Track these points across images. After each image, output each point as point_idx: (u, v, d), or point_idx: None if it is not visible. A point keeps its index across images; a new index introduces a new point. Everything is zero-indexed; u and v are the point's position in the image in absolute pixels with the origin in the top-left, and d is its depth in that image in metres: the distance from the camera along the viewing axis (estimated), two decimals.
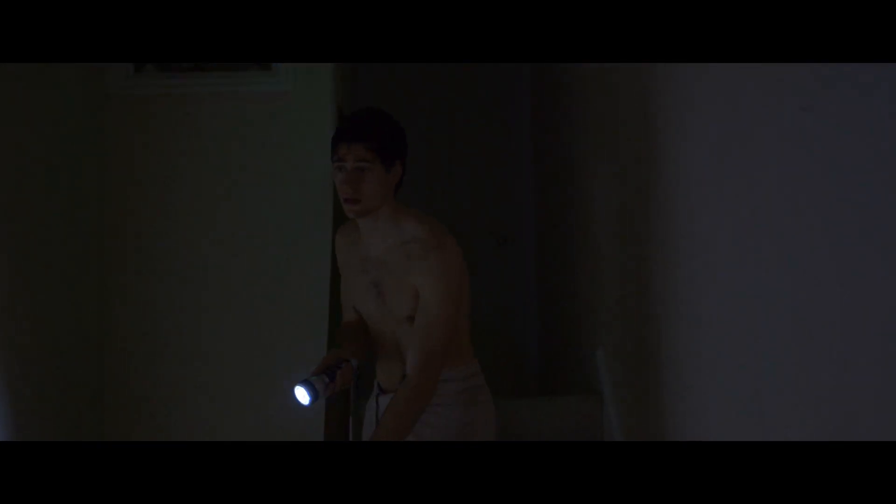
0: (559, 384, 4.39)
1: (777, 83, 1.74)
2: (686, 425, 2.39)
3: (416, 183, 5.30)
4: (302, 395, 2.22)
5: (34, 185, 3.04)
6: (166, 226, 3.61)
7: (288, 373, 3.49)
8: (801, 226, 1.66)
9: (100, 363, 3.55)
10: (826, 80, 1.55)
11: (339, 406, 2.94)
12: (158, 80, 3.66)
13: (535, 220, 5.24)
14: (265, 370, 3.57)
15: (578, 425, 3.39)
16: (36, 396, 3.01)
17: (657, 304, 2.63)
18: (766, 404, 1.85)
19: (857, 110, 1.46)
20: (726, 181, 2.05)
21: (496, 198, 5.39)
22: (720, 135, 2.09)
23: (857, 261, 1.47)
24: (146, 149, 3.58)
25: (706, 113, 2.18)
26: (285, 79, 3.67)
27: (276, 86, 3.66)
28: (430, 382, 2.22)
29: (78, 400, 3.38)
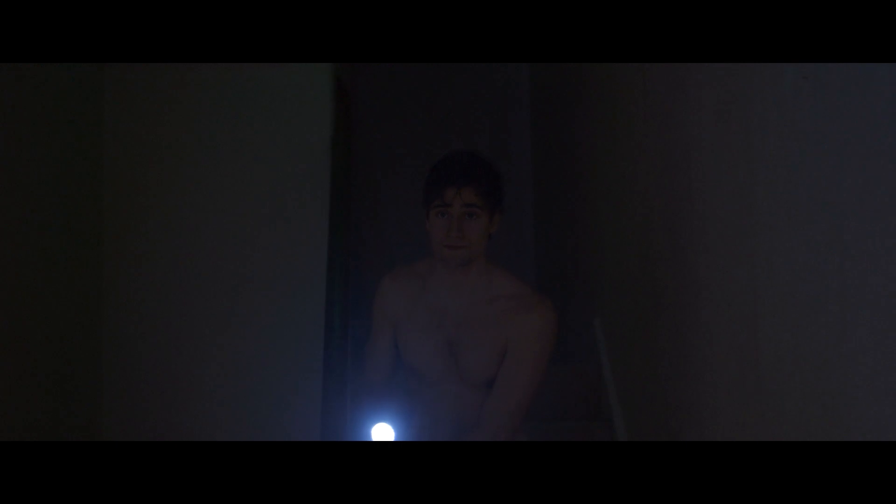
0: (557, 352, 4.41)
1: None
2: (683, 392, 2.41)
3: (414, 152, 5.30)
4: (385, 433, 2.09)
5: (28, 161, 3.00)
6: (163, 198, 3.56)
7: (284, 354, 3.49)
8: (801, 192, 1.67)
9: (97, 346, 3.52)
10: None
11: None
12: None
13: (534, 189, 5.24)
14: (262, 353, 3.55)
15: (576, 392, 3.41)
16: (32, 391, 2.99)
17: (655, 272, 2.64)
18: (764, 372, 1.86)
19: (858, 79, 1.46)
20: (725, 147, 2.05)
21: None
22: (719, 100, 2.08)
23: (856, 227, 1.47)
24: (142, 121, 3.55)
25: (705, 78, 2.17)
26: None
27: None
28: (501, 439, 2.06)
29: (75, 392, 3.35)
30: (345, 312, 3.47)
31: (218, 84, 3.55)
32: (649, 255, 2.71)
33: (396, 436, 2.14)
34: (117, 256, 3.53)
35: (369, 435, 2.12)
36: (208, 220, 3.54)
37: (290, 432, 3.33)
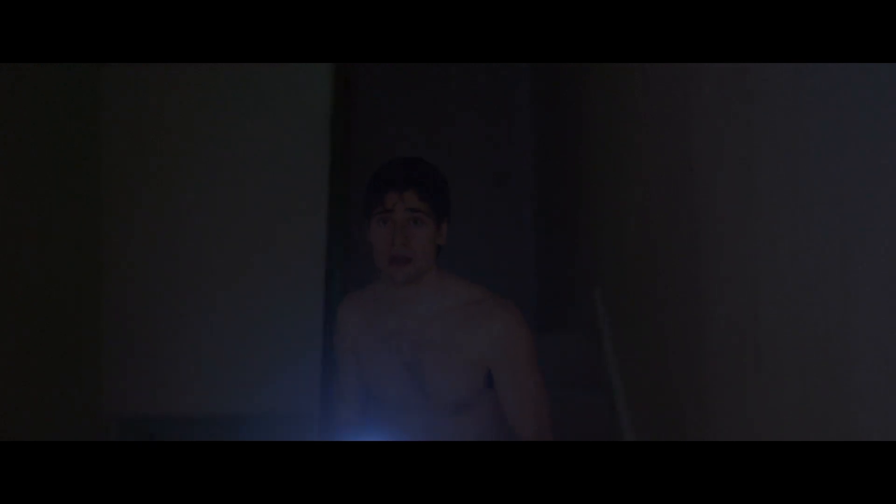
0: (557, 322, 4.44)
1: None
2: (683, 363, 2.44)
3: (415, 118, 5.30)
4: None
5: (28, 161, 3.03)
6: (161, 189, 3.59)
7: (283, 338, 3.54)
8: (803, 157, 1.67)
9: (97, 327, 3.57)
10: None
11: None
12: None
13: (534, 157, 5.25)
14: (261, 337, 3.60)
15: (576, 362, 3.46)
16: (30, 387, 3.03)
17: (656, 242, 2.65)
18: (764, 345, 1.88)
19: (859, 68, 1.48)
20: (727, 117, 2.04)
21: (494, 135, 5.39)
22: (721, 69, 2.07)
23: (859, 209, 1.49)
24: (140, 120, 3.57)
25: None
26: None
27: None
28: None
29: (76, 385, 3.39)
30: (344, 289, 3.51)
31: (216, 83, 3.57)
32: (650, 225, 2.72)
33: None
34: (117, 240, 3.58)
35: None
36: (207, 211, 3.58)
37: (289, 404, 3.39)
